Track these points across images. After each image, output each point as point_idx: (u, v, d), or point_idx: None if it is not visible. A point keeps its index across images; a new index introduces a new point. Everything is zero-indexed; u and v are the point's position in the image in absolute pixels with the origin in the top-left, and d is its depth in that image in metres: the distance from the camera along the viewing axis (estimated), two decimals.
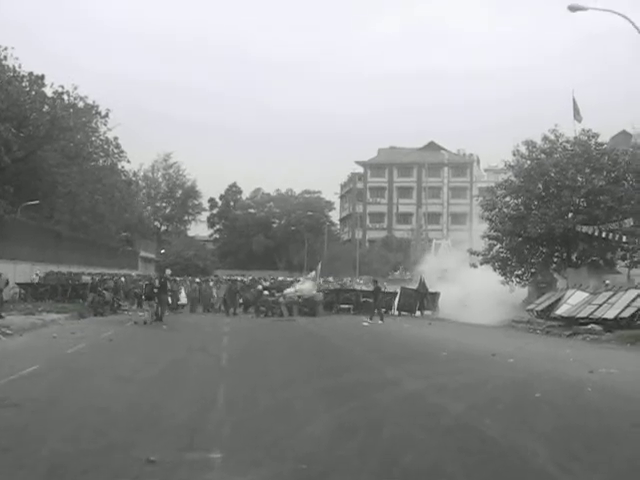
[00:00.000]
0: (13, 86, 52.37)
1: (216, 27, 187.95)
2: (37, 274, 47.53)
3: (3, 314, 32.37)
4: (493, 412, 12.09)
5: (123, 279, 50.24)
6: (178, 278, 54.11)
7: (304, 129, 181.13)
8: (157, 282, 37.81)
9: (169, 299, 40.57)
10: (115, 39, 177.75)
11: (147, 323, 34.29)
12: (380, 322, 38.28)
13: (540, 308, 37.36)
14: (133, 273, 66.82)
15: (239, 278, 59.21)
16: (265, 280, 55.04)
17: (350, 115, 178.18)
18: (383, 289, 49.03)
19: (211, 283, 53.35)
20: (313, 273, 56.42)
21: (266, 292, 45.89)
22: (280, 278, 65.93)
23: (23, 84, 55.00)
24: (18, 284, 43.48)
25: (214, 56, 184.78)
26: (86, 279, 48.06)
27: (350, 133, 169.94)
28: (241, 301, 47.04)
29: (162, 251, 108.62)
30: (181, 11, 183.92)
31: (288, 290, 48.11)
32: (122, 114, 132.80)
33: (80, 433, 10.30)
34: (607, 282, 37.35)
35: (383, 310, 41.51)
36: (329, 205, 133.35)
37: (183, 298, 47.89)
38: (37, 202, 52.64)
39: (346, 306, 47.07)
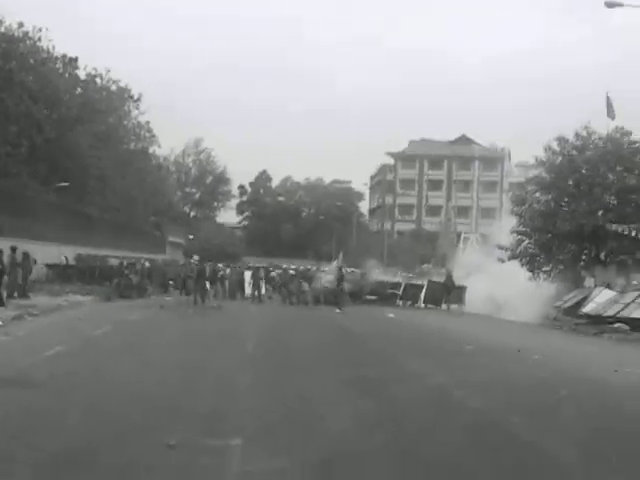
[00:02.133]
0: (47, 67, 52.64)
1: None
2: (65, 256, 47.60)
3: (30, 294, 32.60)
4: (517, 409, 12.04)
5: (147, 263, 50.25)
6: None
7: (334, 117, 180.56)
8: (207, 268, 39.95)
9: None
10: (149, 12, 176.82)
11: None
12: (338, 311, 38.48)
13: (567, 305, 37.16)
14: (160, 258, 66.78)
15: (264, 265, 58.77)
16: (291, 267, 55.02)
17: (381, 102, 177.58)
18: (409, 281, 49.30)
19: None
20: (335, 263, 56.45)
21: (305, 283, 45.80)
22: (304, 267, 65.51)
23: (57, 66, 55.28)
24: (47, 265, 43.63)
25: (246, 34, 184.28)
26: (113, 262, 48.20)
27: (381, 122, 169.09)
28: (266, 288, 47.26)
29: (191, 237, 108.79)
30: None
31: (326, 277, 48.26)
32: (154, 91, 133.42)
33: (100, 416, 10.32)
34: (635, 282, 37.07)
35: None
36: (359, 196, 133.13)
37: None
38: (68, 184, 52.73)
39: (372, 297, 47.12)
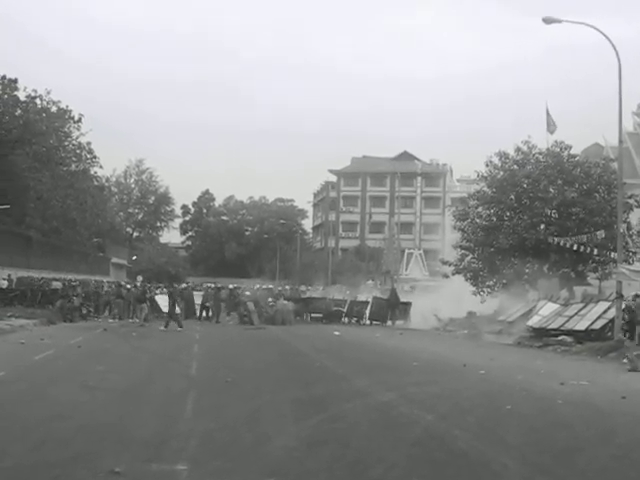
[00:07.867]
0: None
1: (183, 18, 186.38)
2: (5, 279, 46.84)
3: None
4: (463, 424, 12.02)
5: (92, 286, 49.80)
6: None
7: (278, 136, 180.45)
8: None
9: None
10: (100, 34, 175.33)
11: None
12: (179, 329, 37.27)
13: (511, 319, 37.35)
14: (104, 280, 66.13)
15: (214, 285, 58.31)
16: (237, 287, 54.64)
17: (324, 122, 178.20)
18: (353, 298, 49.41)
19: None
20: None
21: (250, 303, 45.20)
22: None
23: None
24: None
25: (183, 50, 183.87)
26: (56, 285, 47.52)
27: (323, 141, 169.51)
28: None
29: (134, 258, 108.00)
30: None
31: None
32: (100, 110, 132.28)
33: (45, 443, 10.10)
34: (608, 293, 37.43)
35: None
36: (302, 213, 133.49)
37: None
38: (8, 206, 52.00)
39: (317, 315, 47.06)
